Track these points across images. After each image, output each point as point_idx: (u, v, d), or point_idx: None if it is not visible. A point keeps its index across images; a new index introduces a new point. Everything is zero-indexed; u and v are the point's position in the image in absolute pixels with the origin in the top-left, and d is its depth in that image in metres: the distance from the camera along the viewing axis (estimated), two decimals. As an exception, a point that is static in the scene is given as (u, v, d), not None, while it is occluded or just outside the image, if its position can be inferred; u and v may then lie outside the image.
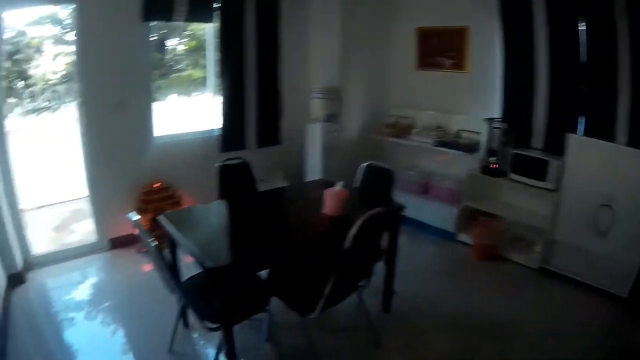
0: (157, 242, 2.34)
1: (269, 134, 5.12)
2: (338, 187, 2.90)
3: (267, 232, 2.83)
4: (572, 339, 3.10)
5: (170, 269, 2.45)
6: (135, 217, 2.42)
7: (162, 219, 2.88)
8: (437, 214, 4.66)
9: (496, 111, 4.34)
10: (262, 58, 4.82)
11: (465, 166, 4.41)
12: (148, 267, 3.98)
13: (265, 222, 3.03)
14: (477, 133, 4.41)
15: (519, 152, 4.04)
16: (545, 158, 3.85)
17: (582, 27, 3.72)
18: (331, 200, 2.89)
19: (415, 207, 4.46)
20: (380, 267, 3.17)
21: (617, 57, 3.55)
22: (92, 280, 4.00)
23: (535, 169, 3.91)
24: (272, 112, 5.08)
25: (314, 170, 4.98)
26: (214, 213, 3.22)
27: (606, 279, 3.57)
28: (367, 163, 3.57)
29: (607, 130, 3.64)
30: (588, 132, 3.79)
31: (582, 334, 3.15)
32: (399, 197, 3.46)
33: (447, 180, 4.63)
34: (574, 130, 3.83)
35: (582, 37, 3.74)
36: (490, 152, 4.18)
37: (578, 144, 3.67)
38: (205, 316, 2.45)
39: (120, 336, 3.19)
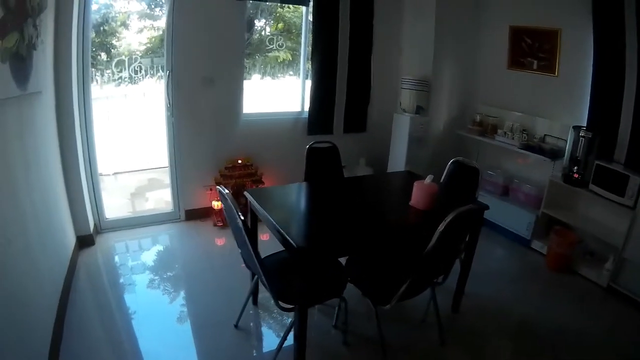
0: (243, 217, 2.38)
1: (356, 120, 5.17)
2: (428, 180, 2.86)
3: (351, 218, 2.80)
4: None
5: (254, 242, 2.47)
6: (225, 190, 2.46)
7: (247, 194, 2.93)
8: (513, 217, 4.56)
9: (582, 119, 4.17)
10: (354, 44, 4.86)
11: (547, 172, 4.28)
12: (221, 241, 4.08)
13: (351, 208, 3.00)
14: (562, 139, 4.25)
15: (601, 163, 3.88)
16: (626, 173, 3.67)
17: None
18: (420, 194, 2.85)
19: (493, 208, 4.36)
20: (455, 266, 3.11)
21: None
22: (161, 248, 4.14)
23: (615, 183, 3.73)
24: (360, 98, 5.12)
25: (397, 161, 4.96)
26: (299, 194, 3.25)
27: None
28: (453, 159, 3.52)
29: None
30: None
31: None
32: (478, 196, 3.40)
33: (526, 184, 4.52)
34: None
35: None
36: (574, 160, 4.02)
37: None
38: (281, 295, 2.46)
39: (180, 304, 3.28)
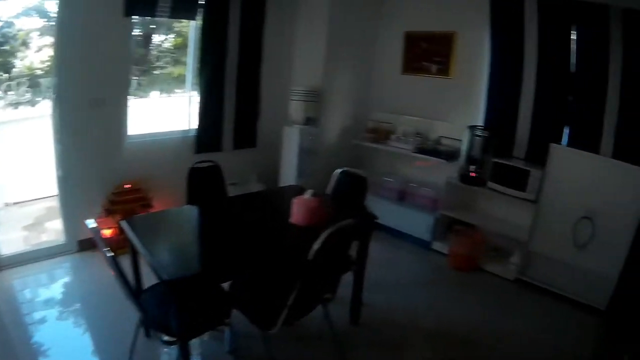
0: (112, 252, 2.26)
1: (246, 135, 5.05)
2: (307, 195, 2.81)
3: (231, 241, 2.71)
4: (550, 350, 3.09)
5: (126, 278, 2.34)
6: (92, 224, 2.33)
7: (123, 224, 2.78)
8: (413, 221, 4.58)
9: (479, 119, 4.29)
10: (243, 57, 4.74)
11: (445, 174, 4.36)
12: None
13: (231, 230, 2.91)
14: (458, 140, 4.34)
15: (499, 161, 3.99)
16: (526, 168, 3.82)
17: (574, 36, 3.72)
18: (299, 210, 2.79)
19: (392, 214, 4.41)
20: (349, 277, 3.09)
21: (607, 67, 3.52)
22: (57, 283, 3.91)
23: (515, 179, 3.87)
24: (249, 112, 5.00)
25: (288, 174, 4.87)
26: (180, 219, 3.11)
27: (584, 292, 3.55)
28: (341, 169, 3.48)
29: (592, 141, 3.61)
30: (572, 143, 3.77)
31: (559, 346, 3.13)
32: (376, 203, 3.42)
33: (424, 187, 4.58)
34: (558, 141, 3.79)
35: (573, 47, 3.73)
36: (470, 160, 4.12)
37: (561, 154, 3.63)
38: (161, 328, 2.36)
39: (83, 340, 3.11)
